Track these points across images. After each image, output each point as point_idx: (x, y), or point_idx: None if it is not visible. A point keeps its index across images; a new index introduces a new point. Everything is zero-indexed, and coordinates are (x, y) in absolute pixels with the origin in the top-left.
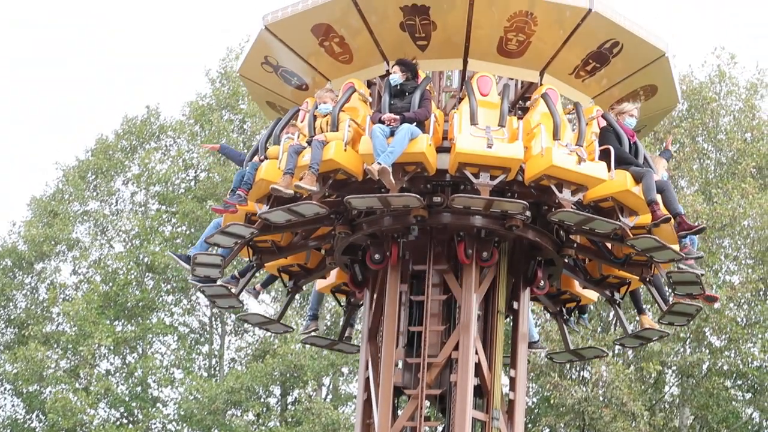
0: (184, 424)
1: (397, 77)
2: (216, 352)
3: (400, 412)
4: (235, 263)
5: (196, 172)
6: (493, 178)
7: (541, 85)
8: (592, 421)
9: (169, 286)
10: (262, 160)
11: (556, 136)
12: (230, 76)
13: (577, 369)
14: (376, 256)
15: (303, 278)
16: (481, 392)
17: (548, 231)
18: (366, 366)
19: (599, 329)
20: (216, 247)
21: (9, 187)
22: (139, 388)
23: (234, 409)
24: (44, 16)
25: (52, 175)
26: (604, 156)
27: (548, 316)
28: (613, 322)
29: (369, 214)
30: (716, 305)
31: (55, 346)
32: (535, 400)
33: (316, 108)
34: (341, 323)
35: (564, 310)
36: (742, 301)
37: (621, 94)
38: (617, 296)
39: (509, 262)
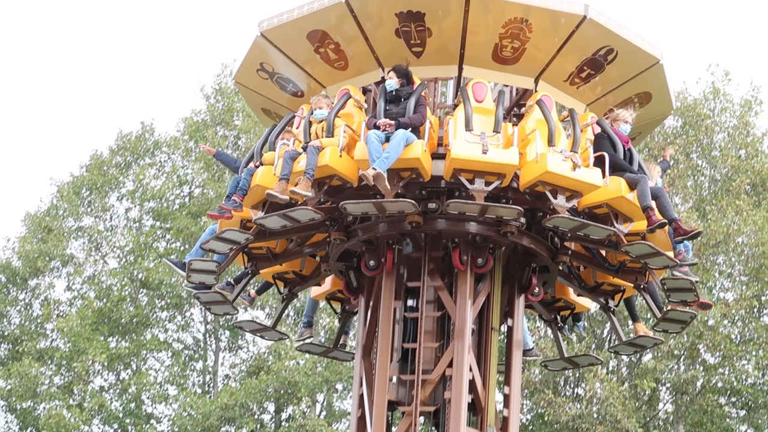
0: None
1: (392, 83)
2: (210, 369)
3: (394, 429)
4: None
5: (190, 188)
6: (488, 184)
7: (535, 91)
8: None
9: (163, 303)
10: (257, 166)
11: (550, 142)
12: (225, 92)
13: (572, 386)
14: (371, 263)
15: (298, 285)
16: (475, 409)
17: (543, 238)
18: (360, 383)
19: (593, 345)
20: (211, 253)
21: (3, 203)
22: (133, 405)
23: (228, 425)
24: (40, 32)
25: (47, 191)
26: (599, 162)
27: (542, 333)
28: (607, 338)
29: (364, 220)
30: (710, 322)
31: (49, 362)
32: (529, 417)
33: (312, 114)
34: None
35: (558, 317)
36: (737, 318)
37: (615, 102)
38: (612, 304)
39: (503, 275)
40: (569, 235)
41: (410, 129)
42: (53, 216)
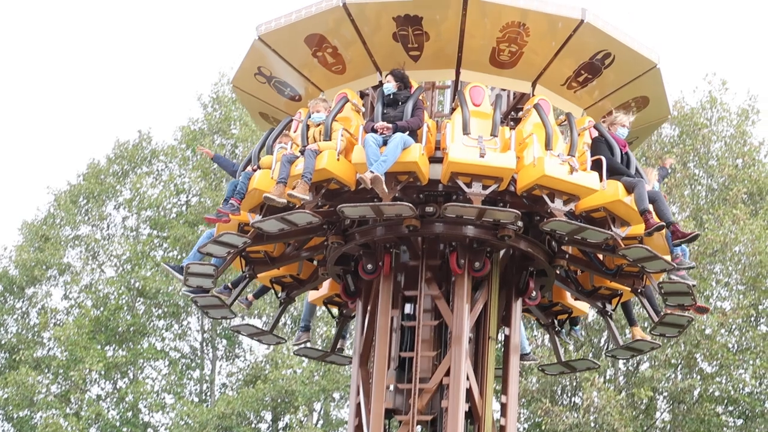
0: None
1: (390, 86)
2: (207, 377)
3: None
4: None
5: (187, 197)
6: (485, 187)
7: (533, 95)
8: None
9: (160, 311)
10: (255, 170)
11: (548, 146)
12: (222, 101)
13: (569, 395)
14: (369, 266)
15: (295, 289)
16: (473, 418)
17: (540, 241)
18: (357, 391)
19: (590, 354)
20: (209, 257)
21: (0, 212)
22: (129, 413)
23: None
24: (37, 41)
25: (44, 200)
26: (596, 166)
27: (539, 341)
28: (604, 347)
29: (361, 223)
30: (707, 331)
31: (46, 370)
32: (526, 426)
33: (310, 117)
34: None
35: (556, 321)
36: (734, 327)
37: (613, 106)
38: (609, 308)
39: (501, 282)
40: (566, 238)
41: (408, 132)
42: (50, 225)
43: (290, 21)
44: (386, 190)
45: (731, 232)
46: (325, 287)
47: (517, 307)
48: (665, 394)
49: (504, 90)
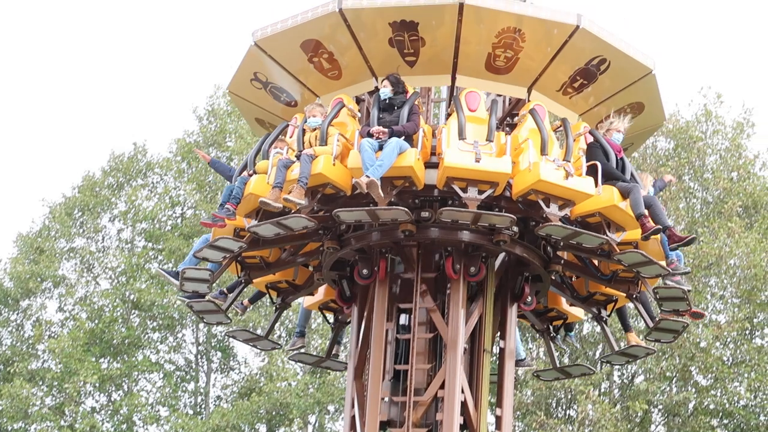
0: None
1: (387, 91)
2: (202, 390)
3: None
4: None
5: (182, 210)
6: (480, 192)
7: (528, 101)
8: None
9: (155, 324)
10: (251, 175)
11: (543, 151)
12: (217, 113)
13: (564, 408)
14: (364, 271)
15: (291, 295)
16: (468, 430)
17: (536, 247)
18: (352, 404)
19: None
20: (205, 262)
21: None
22: (124, 426)
23: None
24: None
25: (39, 212)
26: (592, 171)
27: (534, 354)
28: (599, 361)
29: (357, 228)
30: (702, 344)
31: (41, 383)
32: None
33: (306, 122)
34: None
35: (551, 327)
36: (729, 340)
37: (608, 112)
38: (604, 314)
39: (496, 293)
40: (562, 243)
41: (403, 137)
42: (45, 237)
43: (286, 26)
44: (382, 195)
45: (726, 245)
46: (321, 293)
47: (513, 312)
48: (660, 407)
49: (500, 96)
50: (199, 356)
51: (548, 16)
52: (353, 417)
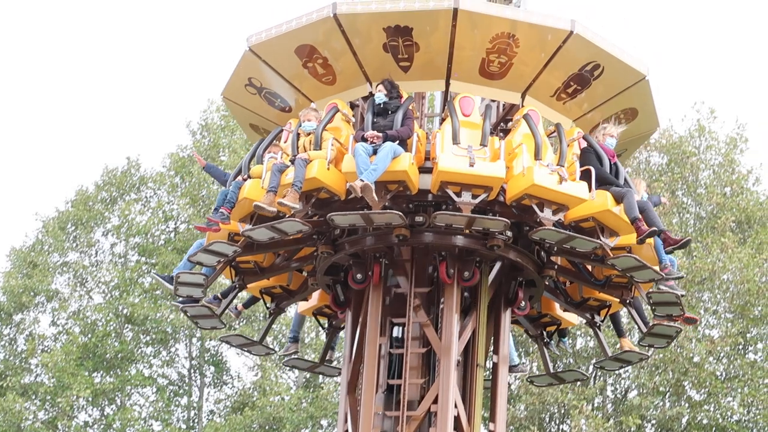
0: None
1: (382, 95)
2: (195, 404)
3: None
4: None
5: (176, 224)
6: (474, 197)
7: (522, 106)
8: None
9: (148, 338)
10: (245, 180)
11: (537, 156)
12: (211, 127)
13: (557, 422)
14: (358, 276)
15: (285, 300)
16: None
17: (529, 252)
18: (345, 419)
19: (578, 383)
20: (199, 266)
21: None
22: None
23: None
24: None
25: (32, 226)
26: (585, 176)
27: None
28: (592, 375)
29: (351, 233)
30: (696, 359)
31: (34, 397)
32: None
33: (300, 126)
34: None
35: (545, 333)
36: (722, 355)
37: (602, 117)
38: (597, 319)
39: (489, 308)
40: (555, 248)
41: (398, 142)
42: (38, 251)
43: (281, 32)
44: (376, 199)
45: (719, 260)
46: (315, 298)
47: (506, 317)
48: (653, 422)
49: (494, 101)
50: (192, 370)
51: (542, 22)
52: (346, 431)
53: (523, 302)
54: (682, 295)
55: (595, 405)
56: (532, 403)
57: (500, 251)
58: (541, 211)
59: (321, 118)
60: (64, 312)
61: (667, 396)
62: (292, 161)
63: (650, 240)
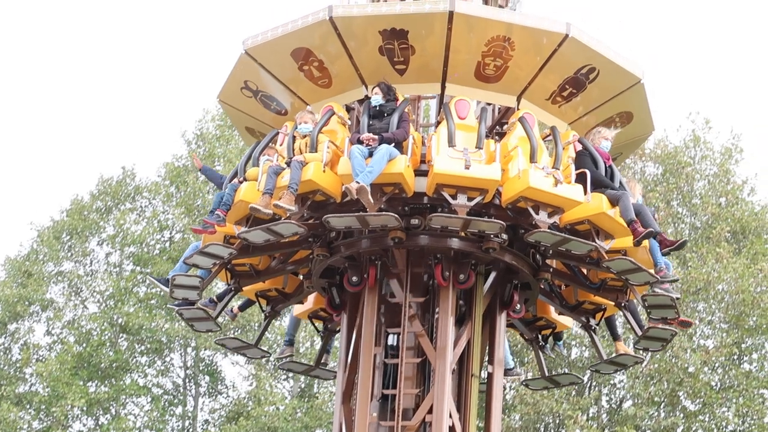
0: None
1: (378, 98)
2: (189, 414)
3: None
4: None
5: (171, 234)
6: (470, 199)
7: (518, 109)
8: None
9: (142, 347)
10: (241, 182)
11: (533, 158)
12: (206, 137)
13: None
14: (354, 279)
15: (280, 303)
16: None
17: (525, 255)
18: (340, 428)
19: (573, 393)
20: (195, 269)
21: None
22: None
23: None
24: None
25: (27, 236)
26: (581, 179)
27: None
28: (588, 385)
29: (347, 236)
30: (690, 369)
31: (28, 406)
32: None
33: (296, 128)
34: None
35: (540, 336)
36: (717, 365)
37: (597, 121)
38: (593, 322)
39: (484, 317)
40: (551, 251)
41: (393, 144)
42: (33, 260)
43: (277, 35)
44: (372, 201)
45: (714, 270)
46: (310, 301)
47: (502, 320)
48: None
49: (489, 104)
50: (187, 380)
51: (537, 25)
52: None
53: (519, 305)
54: (677, 298)
55: (590, 415)
56: (527, 413)
57: (495, 254)
58: (537, 213)
59: (317, 120)
60: (58, 321)
61: (662, 406)
62: (288, 163)
63: (645, 243)
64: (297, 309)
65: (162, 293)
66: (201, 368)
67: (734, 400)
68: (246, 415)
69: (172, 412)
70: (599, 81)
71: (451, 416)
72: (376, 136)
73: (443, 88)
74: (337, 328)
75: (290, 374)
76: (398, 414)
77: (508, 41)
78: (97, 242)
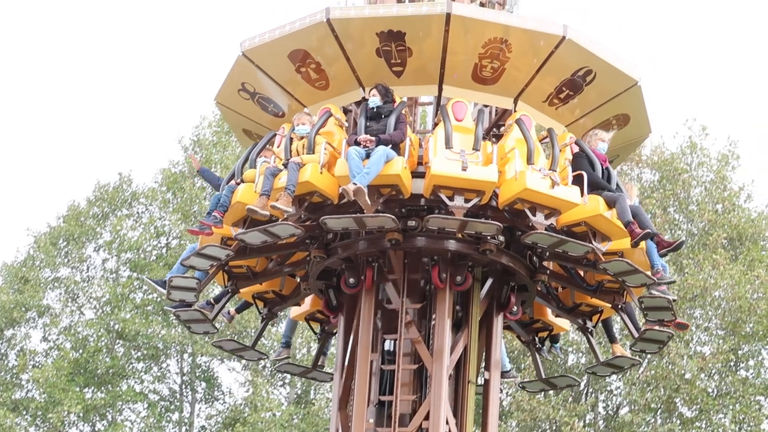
0: None
1: (376, 100)
2: (186, 420)
3: None
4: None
5: (167, 240)
6: (467, 201)
7: (515, 111)
8: None
9: (139, 353)
10: (238, 184)
11: (530, 160)
12: (203, 143)
13: None
14: (351, 280)
15: (277, 305)
16: None
17: (522, 256)
18: None
19: (570, 399)
20: (192, 271)
21: None
22: None
23: None
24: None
25: (24, 242)
26: (578, 181)
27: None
28: (585, 391)
29: (344, 237)
30: (687, 376)
31: (24, 413)
32: None
33: (294, 130)
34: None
35: (536, 339)
36: (713, 371)
37: (594, 123)
38: (589, 325)
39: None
40: (548, 253)
41: (390, 146)
42: (30, 266)
43: (274, 37)
44: (369, 202)
45: (711, 277)
46: (307, 303)
47: (498, 322)
48: None
49: (486, 106)
50: (183, 386)
51: (535, 27)
52: None
53: (515, 307)
54: (674, 300)
55: (587, 422)
56: (523, 420)
57: (492, 256)
58: (534, 215)
59: (314, 122)
60: (55, 327)
61: (658, 413)
62: (285, 165)
63: (642, 244)
64: (294, 311)
65: (158, 299)
66: (197, 374)
67: (731, 407)
68: (242, 421)
69: (168, 419)
70: (596, 83)
71: (447, 422)
72: (374, 138)
73: (440, 90)
74: (334, 331)
75: (287, 380)
76: (395, 420)
77: (505, 43)
78: (94, 248)
